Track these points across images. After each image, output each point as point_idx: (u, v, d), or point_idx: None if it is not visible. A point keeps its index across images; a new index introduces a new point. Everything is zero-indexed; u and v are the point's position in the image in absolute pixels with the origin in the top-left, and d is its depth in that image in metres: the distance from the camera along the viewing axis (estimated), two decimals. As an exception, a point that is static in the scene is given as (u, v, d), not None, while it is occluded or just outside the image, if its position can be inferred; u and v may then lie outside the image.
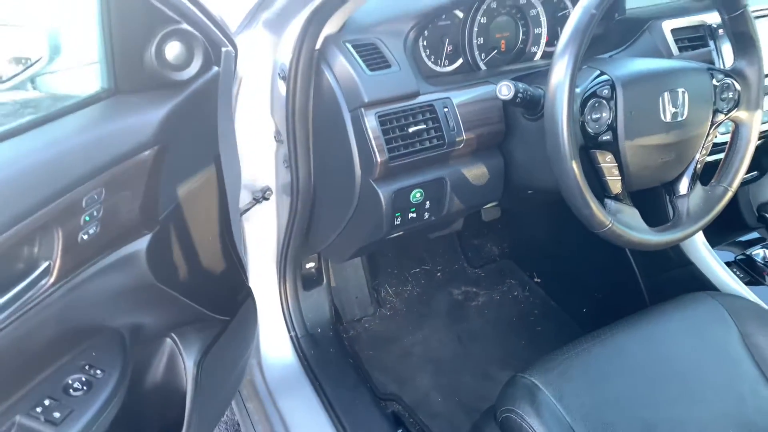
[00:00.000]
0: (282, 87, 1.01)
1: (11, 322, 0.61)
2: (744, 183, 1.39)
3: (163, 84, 0.76)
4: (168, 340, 0.94)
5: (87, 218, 0.67)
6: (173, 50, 0.74)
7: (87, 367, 0.75)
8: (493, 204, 1.22)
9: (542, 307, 1.62)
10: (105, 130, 0.69)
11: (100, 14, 0.67)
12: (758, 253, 1.31)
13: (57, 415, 0.68)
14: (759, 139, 1.14)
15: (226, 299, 1.02)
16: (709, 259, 1.28)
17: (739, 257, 1.33)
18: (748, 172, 1.17)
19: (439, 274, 1.67)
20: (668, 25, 1.12)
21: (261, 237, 1.24)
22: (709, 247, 1.29)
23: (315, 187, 1.11)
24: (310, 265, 1.37)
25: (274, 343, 1.29)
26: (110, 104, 0.73)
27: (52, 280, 0.64)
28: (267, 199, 1.20)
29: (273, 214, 1.22)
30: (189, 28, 0.74)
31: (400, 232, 1.06)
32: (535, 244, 1.72)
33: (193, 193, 0.86)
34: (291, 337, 1.31)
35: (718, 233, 1.32)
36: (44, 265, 0.64)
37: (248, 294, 1.09)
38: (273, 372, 1.26)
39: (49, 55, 0.72)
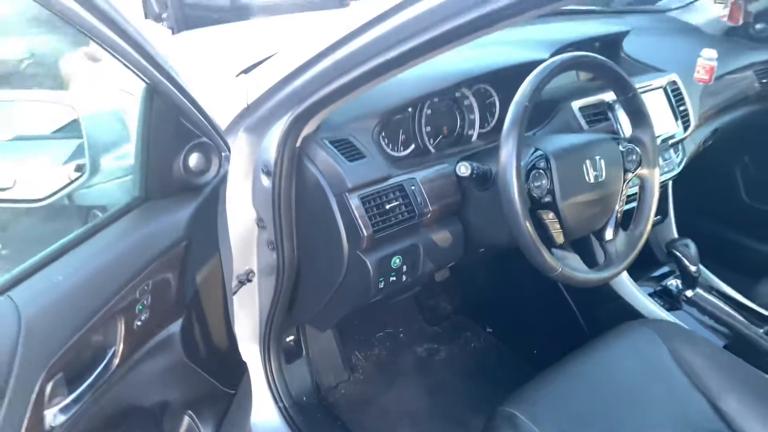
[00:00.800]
0: (266, 180, 1.16)
1: (87, 401, 0.70)
2: (653, 225, 1.66)
3: (185, 188, 0.89)
4: (186, 417, 1.02)
5: (140, 307, 0.78)
6: (195, 160, 0.88)
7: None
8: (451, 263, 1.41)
9: (497, 353, 1.79)
10: (147, 231, 0.81)
11: (141, 132, 0.81)
12: (672, 283, 1.55)
13: None
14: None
15: (231, 374, 1.12)
16: (635, 292, 1.51)
17: (657, 288, 1.57)
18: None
19: (401, 335, 1.81)
20: (576, 105, 1.38)
21: (244, 316, 1.34)
22: (633, 282, 1.53)
23: (299, 265, 1.24)
24: (290, 338, 1.47)
25: (265, 414, 1.37)
26: (145, 209, 0.85)
27: (116, 362, 0.74)
28: (250, 281, 1.32)
29: (255, 294, 1.33)
30: (208, 140, 0.89)
31: (381, 296, 1.21)
32: (483, 298, 1.91)
33: (206, 280, 0.98)
34: (279, 408, 1.39)
35: (638, 270, 1.56)
36: (111, 350, 0.73)
37: (245, 368, 1.19)
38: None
39: (90, 171, 0.84)
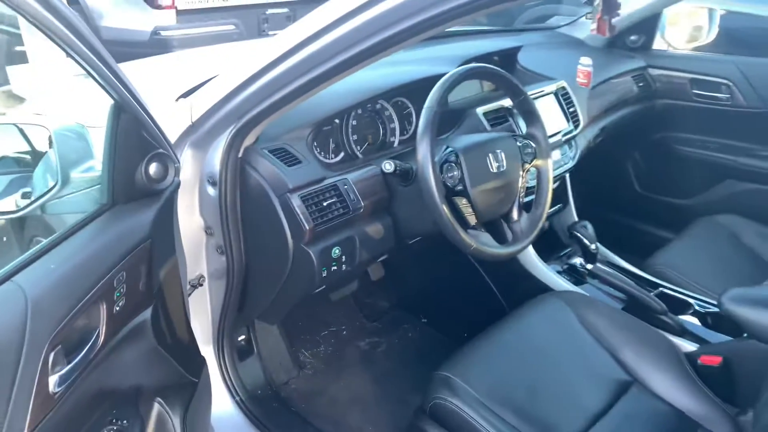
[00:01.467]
0: (211, 190, 1.29)
1: (80, 374, 0.82)
2: (554, 213, 1.90)
3: (146, 194, 1.02)
4: (155, 404, 1.13)
5: (118, 294, 0.90)
6: (154, 168, 1.01)
7: (114, 420, 0.95)
8: (383, 258, 1.58)
9: (432, 340, 1.96)
10: (118, 230, 0.94)
11: (108, 144, 0.94)
12: (576, 261, 1.78)
13: None
14: (555, 182, 1.65)
15: (194, 362, 1.23)
16: (545, 270, 1.73)
17: (564, 266, 1.80)
18: (553, 204, 1.66)
19: (344, 332, 1.96)
20: (480, 110, 1.60)
21: (198, 318, 1.45)
22: (543, 262, 1.75)
23: (247, 266, 1.38)
24: (241, 338, 1.59)
25: (223, 406, 1.48)
26: (115, 212, 0.97)
27: (101, 341, 0.86)
28: (201, 285, 1.44)
29: (207, 297, 1.45)
30: (164, 151, 1.02)
31: (324, 285, 1.36)
32: (416, 292, 2.09)
33: (167, 276, 1.10)
34: (236, 401, 1.50)
35: (546, 252, 1.78)
36: (96, 330, 0.85)
37: (204, 360, 1.31)
38: (228, 433, 1.45)
39: (61, 183, 0.95)
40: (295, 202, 1.22)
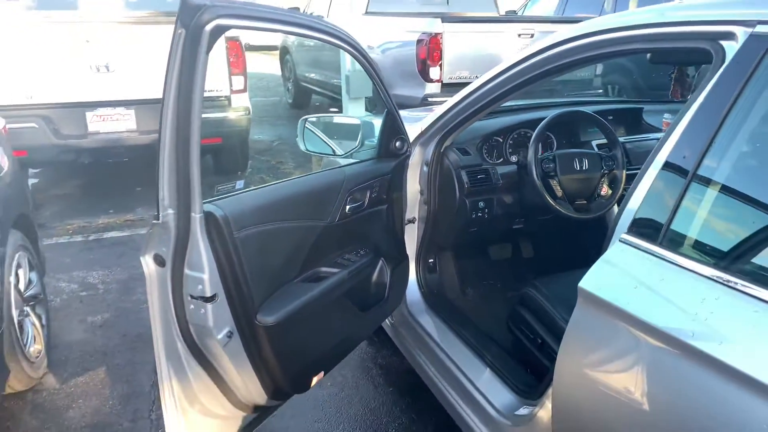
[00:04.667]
0: (425, 168, 2.51)
1: (353, 212, 2.06)
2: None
3: (393, 155, 2.26)
4: (381, 258, 2.34)
5: (374, 190, 2.14)
6: (398, 143, 2.25)
7: (361, 250, 2.18)
8: (518, 227, 2.62)
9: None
10: (379, 166, 2.20)
11: (381, 131, 2.22)
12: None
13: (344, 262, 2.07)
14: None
15: (402, 253, 2.42)
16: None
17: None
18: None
19: (498, 285, 2.98)
20: (594, 143, 2.57)
21: (407, 244, 2.65)
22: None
23: (436, 212, 2.54)
24: (431, 260, 2.75)
25: (412, 295, 2.63)
26: (379, 160, 2.23)
27: (365, 204, 2.10)
28: (412, 222, 2.65)
29: (414, 231, 2.65)
30: (404, 136, 2.26)
31: (475, 228, 2.47)
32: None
33: (395, 198, 2.32)
34: (422, 293, 2.65)
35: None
36: (363, 199, 2.10)
37: (407, 257, 2.49)
38: (412, 307, 2.60)
39: (360, 145, 2.26)
40: (463, 174, 2.38)
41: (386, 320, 2.65)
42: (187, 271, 1.48)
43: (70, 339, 3.19)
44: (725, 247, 1.27)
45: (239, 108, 5.08)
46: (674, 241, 1.26)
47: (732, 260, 1.21)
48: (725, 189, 1.26)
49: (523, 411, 1.85)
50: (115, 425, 2.54)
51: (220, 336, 1.55)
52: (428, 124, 2.43)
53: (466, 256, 2.91)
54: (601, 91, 6.59)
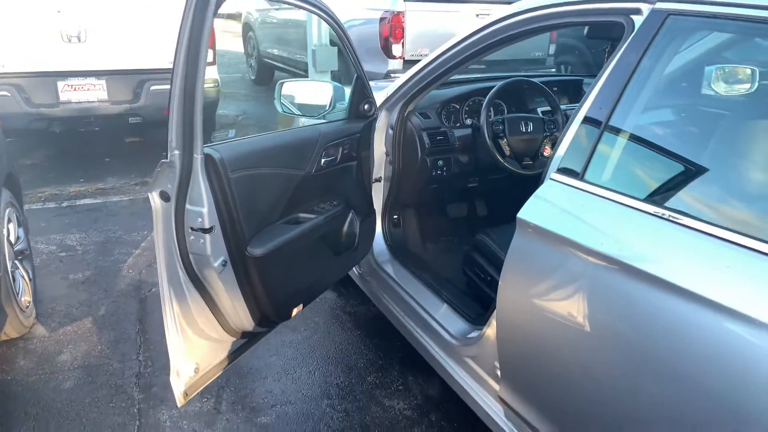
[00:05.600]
0: (390, 131, 2.79)
1: (326, 165, 2.33)
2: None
3: (361, 116, 2.53)
4: (351, 211, 2.61)
5: (346, 147, 2.41)
6: (366, 106, 2.52)
7: (334, 201, 2.45)
8: (473, 185, 2.94)
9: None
10: (349, 126, 2.46)
11: (351, 94, 2.49)
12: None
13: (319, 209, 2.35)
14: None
15: (370, 207, 2.71)
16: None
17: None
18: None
19: (455, 241, 3.31)
20: (540, 109, 2.90)
21: (374, 200, 2.94)
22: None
23: (401, 171, 2.83)
24: (395, 216, 3.04)
25: (380, 246, 2.92)
26: (349, 121, 2.50)
27: (338, 159, 2.37)
28: (379, 181, 2.93)
29: (380, 190, 2.93)
30: (372, 100, 2.54)
31: (435, 185, 2.77)
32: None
33: (363, 156, 2.60)
34: (387, 245, 2.95)
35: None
36: (336, 155, 2.37)
37: (375, 212, 2.78)
38: (379, 257, 2.89)
39: (330, 107, 2.52)
40: (425, 135, 2.67)
41: (355, 271, 2.94)
42: (188, 206, 1.73)
43: (54, 294, 3.37)
44: (631, 179, 1.59)
45: (209, 80, 5.25)
46: (591, 177, 1.57)
47: (636, 188, 1.53)
48: (630, 135, 1.58)
49: (473, 334, 2.17)
50: (105, 366, 2.77)
51: (216, 264, 1.81)
52: (392, 91, 2.70)
53: (427, 214, 3.21)
54: (554, 70, 6.98)
